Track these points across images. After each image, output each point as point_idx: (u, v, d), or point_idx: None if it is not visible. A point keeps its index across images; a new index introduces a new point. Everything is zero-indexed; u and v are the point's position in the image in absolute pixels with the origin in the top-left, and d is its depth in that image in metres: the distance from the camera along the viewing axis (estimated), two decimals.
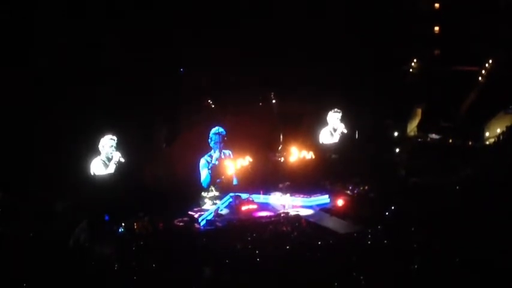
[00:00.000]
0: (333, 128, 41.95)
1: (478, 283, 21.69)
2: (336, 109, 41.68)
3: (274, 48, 38.51)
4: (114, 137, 33.85)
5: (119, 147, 33.89)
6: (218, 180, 37.03)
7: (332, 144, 42.04)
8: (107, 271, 24.15)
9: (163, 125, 36.25)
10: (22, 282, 22.32)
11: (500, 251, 24.12)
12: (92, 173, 33.15)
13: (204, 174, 37.17)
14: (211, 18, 37.07)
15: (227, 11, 37.72)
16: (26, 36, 31.20)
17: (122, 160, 34.11)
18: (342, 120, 41.86)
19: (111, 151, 33.87)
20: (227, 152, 37.74)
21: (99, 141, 33.39)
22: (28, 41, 31.32)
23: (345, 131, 42.10)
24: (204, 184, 36.89)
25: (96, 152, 33.31)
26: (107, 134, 33.55)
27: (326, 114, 41.51)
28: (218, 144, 37.52)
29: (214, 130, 37.49)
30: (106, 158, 33.67)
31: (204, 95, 37.68)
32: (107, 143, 33.74)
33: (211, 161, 37.32)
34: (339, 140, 42.04)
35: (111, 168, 33.92)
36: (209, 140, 37.40)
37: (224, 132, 37.65)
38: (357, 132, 42.82)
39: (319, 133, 41.55)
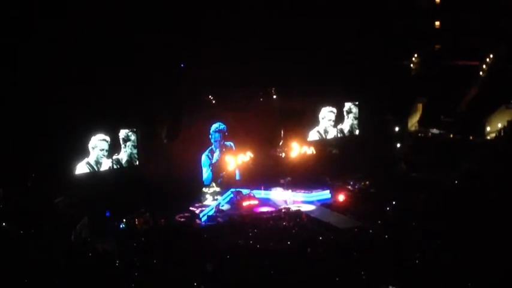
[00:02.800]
0: (324, 130, 42.06)
1: (477, 277, 21.75)
2: (330, 107, 42.10)
3: (275, 45, 38.45)
4: (107, 138, 33.67)
5: (111, 152, 33.78)
6: (221, 174, 37.31)
7: (333, 139, 42.20)
8: (108, 267, 24.22)
9: (164, 121, 36.24)
10: (23, 277, 22.39)
11: (499, 244, 24.24)
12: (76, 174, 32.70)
13: (205, 171, 37.38)
14: (212, 15, 37.03)
15: (228, 9, 37.71)
16: (22, 36, 31.26)
17: (112, 167, 33.74)
18: (336, 122, 42.35)
19: (102, 155, 33.56)
20: (228, 143, 37.84)
21: (89, 140, 33.03)
22: (24, 41, 31.37)
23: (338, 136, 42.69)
24: (206, 182, 37.06)
25: (86, 153, 32.99)
26: (99, 133, 33.25)
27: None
28: (218, 142, 37.68)
29: (214, 127, 37.71)
30: (95, 162, 33.34)
31: (205, 90, 37.67)
32: (98, 145, 33.37)
33: (212, 157, 37.46)
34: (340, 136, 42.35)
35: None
36: (210, 136, 37.61)
37: (225, 128, 37.79)
38: (358, 128, 43.00)
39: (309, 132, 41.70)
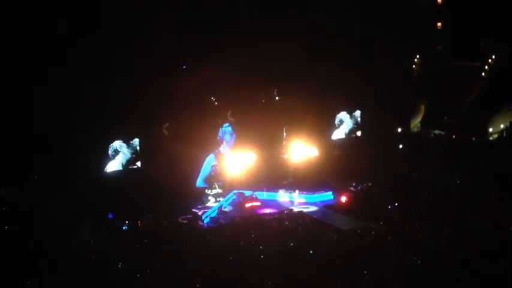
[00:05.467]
0: (345, 133, 42.45)
1: (479, 278, 21.74)
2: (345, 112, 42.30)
3: (277, 46, 38.43)
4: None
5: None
6: (219, 183, 37.14)
7: (337, 140, 42.25)
8: (110, 269, 24.21)
9: (166, 122, 36.26)
10: (26, 279, 22.43)
11: (500, 245, 24.24)
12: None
13: (202, 175, 37.30)
14: (214, 17, 37.06)
15: (231, 9, 37.74)
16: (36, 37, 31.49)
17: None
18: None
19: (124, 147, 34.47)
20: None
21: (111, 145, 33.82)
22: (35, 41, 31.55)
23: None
24: (198, 185, 37.09)
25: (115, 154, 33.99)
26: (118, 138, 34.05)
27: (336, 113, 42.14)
28: (230, 134, 37.86)
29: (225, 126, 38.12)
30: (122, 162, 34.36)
31: (208, 92, 37.69)
32: (123, 145, 34.33)
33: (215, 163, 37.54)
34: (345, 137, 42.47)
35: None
36: (220, 131, 37.86)
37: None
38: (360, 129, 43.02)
39: (328, 131, 41.88)
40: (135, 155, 34.90)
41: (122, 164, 34.41)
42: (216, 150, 37.66)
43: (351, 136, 42.65)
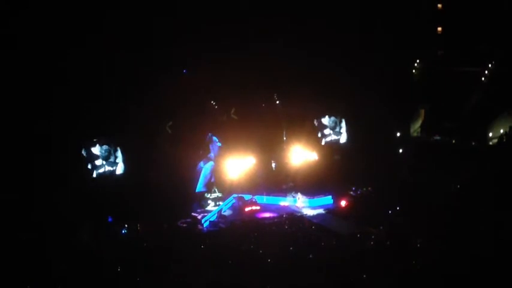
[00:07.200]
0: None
1: (478, 283, 21.74)
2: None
3: (277, 50, 38.46)
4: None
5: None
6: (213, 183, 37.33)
7: (338, 145, 42.21)
8: (110, 272, 24.21)
9: (166, 126, 36.26)
10: (26, 282, 22.46)
11: (500, 250, 24.21)
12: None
13: (202, 181, 37.40)
14: (214, 21, 37.12)
15: (230, 14, 37.80)
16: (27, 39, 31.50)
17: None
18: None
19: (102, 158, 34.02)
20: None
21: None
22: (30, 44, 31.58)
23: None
24: (198, 189, 37.14)
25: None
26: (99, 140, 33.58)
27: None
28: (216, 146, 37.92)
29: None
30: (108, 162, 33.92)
31: (207, 96, 37.71)
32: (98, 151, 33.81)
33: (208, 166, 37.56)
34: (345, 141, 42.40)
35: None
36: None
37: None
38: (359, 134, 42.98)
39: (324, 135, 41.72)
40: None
41: (122, 167, 34.27)
42: (206, 158, 37.47)
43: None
